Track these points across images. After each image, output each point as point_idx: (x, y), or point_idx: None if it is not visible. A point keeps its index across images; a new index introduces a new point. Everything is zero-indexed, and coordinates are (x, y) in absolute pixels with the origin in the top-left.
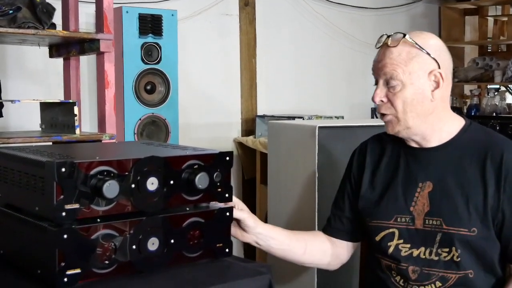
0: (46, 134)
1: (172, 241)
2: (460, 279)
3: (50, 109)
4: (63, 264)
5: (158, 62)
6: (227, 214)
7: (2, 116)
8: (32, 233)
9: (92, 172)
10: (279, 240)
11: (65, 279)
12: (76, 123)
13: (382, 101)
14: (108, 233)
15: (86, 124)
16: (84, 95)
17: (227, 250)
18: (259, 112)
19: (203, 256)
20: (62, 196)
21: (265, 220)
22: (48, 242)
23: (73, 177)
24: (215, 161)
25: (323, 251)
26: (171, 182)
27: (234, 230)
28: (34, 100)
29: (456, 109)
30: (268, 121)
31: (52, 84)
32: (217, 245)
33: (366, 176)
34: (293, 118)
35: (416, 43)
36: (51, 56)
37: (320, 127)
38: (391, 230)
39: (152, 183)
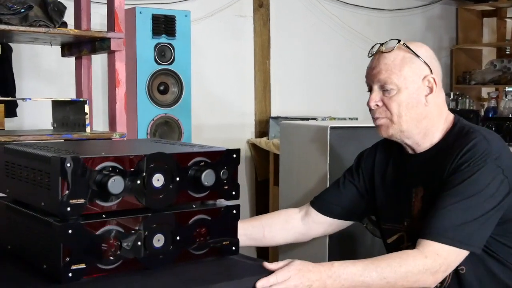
0: (57, 132)
1: (178, 238)
2: (454, 276)
3: (62, 107)
4: (68, 259)
5: (171, 63)
6: (234, 211)
7: (16, 116)
8: (38, 228)
9: (97, 168)
10: None
11: (70, 274)
12: (87, 122)
13: (377, 105)
14: (114, 229)
15: (100, 123)
16: (98, 94)
17: (233, 248)
18: (273, 114)
19: (209, 254)
20: (67, 192)
21: None
22: (53, 237)
23: (79, 173)
24: (222, 159)
25: (287, 230)
26: (177, 179)
27: None
28: (45, 98)
29: (473, 112)
30: (280, 122)
31: (66, 84)
32: (224, 242)
33: (378, 180)
34: (307, 119)
35: (410, 49)
36: (63, 55)
37: (331, 128)
38: (400, 233)
39: (158, 180)
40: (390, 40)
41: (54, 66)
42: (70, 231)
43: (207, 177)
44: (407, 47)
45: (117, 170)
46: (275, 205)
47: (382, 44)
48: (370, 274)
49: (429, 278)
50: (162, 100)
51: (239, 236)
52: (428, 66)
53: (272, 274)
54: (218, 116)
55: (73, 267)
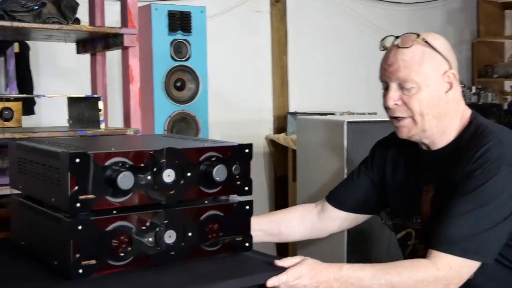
0: (72, 129)
1: (190, 234)
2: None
3: (77, 104)
4: (78, 255)
5: (188, 59)
6: (247, 207)
7: (34, 113)
8: (49, 224)
9: (107, 163)
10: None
11: (80, 271)
12: (101, 118)
13: (396, 104)
14: (124, 225)
15: (117, 119)
16: (115, 91)
17: (246, 244)
18: (291, 109)
19: (221, 250)
20: (76, 187)
21: None
22: (63, 233)
23: (88, 168)
24: (234, 154)
25: (303, 225)
26: (188, 174)
27: None
28: (58, 95)
29: (495, 106)
30: (297, 117)
31: (84, 81)
32: (237, 239)
33: (389, 173)
34: (325, 115)
35: (429, 43)
36: (78, 52)
37: (348, 122)
38: (408, 230)
39: (168, 175)
40: (406, 33)
41: (71, 64)
42: (79, 227)
43: (219, 172)
44: (426, 41)
45: (127, 166)
46: (294, 201)
47: (397, 38)
48: (379, 281)
49: None
50: (179, 96)
51: (255, 232)
52: (447, 60)
53: (284, 272)
54: (235, 112)
55: (83, 263)
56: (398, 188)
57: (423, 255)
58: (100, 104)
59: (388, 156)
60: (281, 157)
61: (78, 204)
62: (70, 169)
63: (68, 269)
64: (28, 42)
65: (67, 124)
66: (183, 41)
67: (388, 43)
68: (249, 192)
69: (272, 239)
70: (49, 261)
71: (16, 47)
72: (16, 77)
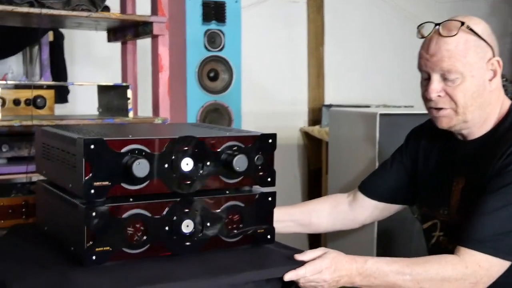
0: (99, 117)
1: (209, 224)
2: None
3: (106, 93)
4: (92, 242)
5: (222, 49)
6: (269, 199)
7: (67, 102)
8: (67, 210)
9: (123, 150)
10: (280, 219)
11: (94, 257)
12: (129, 106)
13: (439, 96)
14: (140, 213)
15: (150, 109)
16: (148, 80)
17: (269, 236)
18: (326, 102)
19: (242, 242)
20: (91, 174)
21: None
22: (78, 219)
23: (103, 155)
24: (256, 144)
25: (334, 216)
26: (208, 163)
27: None
28: (87, 83)
29: None
30: (329, 109)
31: (117, 70)
32: (258, 231)
33: (421, 161)
34: (360, 107)
35: (473, 30)
36: (109, 40)
37: (381, 115)
38: (435, 220)
39: (187, 164)
40: (448, 20)
41: (106, 53)
42: (93, 214)
43: (239, 162)
44: (470, 28)
45: (144, 153)
46: (327, 195)
47: (437, 25)
48: (404, 277)
49: None
50: (212, 87)
51: (286, 222)
52: (491, 47)
53: (302, 266)
54: (269, 103)
55: (97, 250)
56: (428, 177)
57: (445, 248)
58: (129, 93)
59: (421, 143)
60: (315, 150)
61: (93, 191)
62: (85, 156)
63: (82, 255)
64: (62, 31)
65: (97, 113)
66: (217, 31)
67: (427, 30)
68: (272, 183)
69: (303, 230)
70: (67, 247)
71: (50, 35)
72: (50, 66)
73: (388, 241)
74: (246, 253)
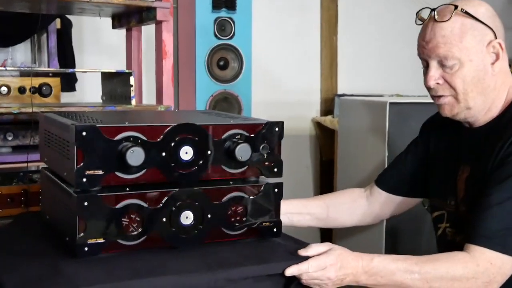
0: (101, 105)
1: (210, 216)
2: None
3: (110, 80)
4: (84, 232)
5: (232, 37)
6: (276, 190)
7: (74, 90)
8: (63, 199)
9: (117, 138)
10: (297, 211)
11: (86, 248)
12: (132, 94)
13: (438, 83)
14: (136, 203)
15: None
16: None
17: (275, 229)
18: (340, 91)
19: (246, 235)
20: (83, 162)
21: None
22: (71, 208)
23: (95, 142)
24: (262, 132)
25: (352, 210)
26: (209, 152)
27: None
28: (90, 70)
29: None
30: (339, 98)
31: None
32: (264, 223)
33: (431, 151)
34: (371, 97)
35: (469, 13)
36: (113, 27)
37: (391, 103)
38: (442, 211)
39: (186, 152)
40: (443, 5)
41: (115, 41)
42: (85, 203)
43: (242, 151)
44: (465, 12)
45: (139, 141)
46: (339, 186)
47: (433, 10)
48: (412, 275)
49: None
50: (222, 75)
51: (303, 215)
52: (491, 29)
53: (305, 261)
54: (281, 93)
55: (90, 241)
56: (437, 167)
57: (452, 240)
58: (132, 80)
59: (433, 133)
60: (328, 140)
61: (85, 180)
62: (77, 143)
63: (74, 246)
64: (71, 19)
65: (101, 101)
66: (227, 19)
67: (425, 15)
68: (279, 174)
69: (320, 224)
70: (64, 237)
71: (57, 23)
72: (58, 54)
73: (397, 237)
74: (249, 247)
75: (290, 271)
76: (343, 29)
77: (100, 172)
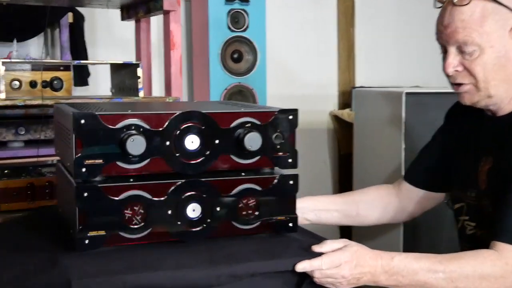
0: (108, 97)
1: (218, 209)
2: None
3: (118, 72)
4: (84, 224)
5: (245, 30)
6: (291, 182)
7: (87, 84)
8: (67, 190)
9: (118, 126)
10: (325, 208)
11: (86, 241)
12: (140, 86)
13: (456, 70)
14: (139, 195)
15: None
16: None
17: (290, 224)
18: (357, 84)
19: (259, 230)
20: (82, 151)
21: None
22: (72, 200)
23: (95, 131)
24: (274, 120)
25: (382, 207)
26: (217, 141)
27: None
28: (97, 62)
29: None
30: (354, 89)
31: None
32: (278, 218)
33: (454, 140)
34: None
35: None
36: (122, 18)
37: (407, 94)
38: (462, 203)
39: (192, 142)
40: None
41: (128, 35)
42: (85, 194)
43: (251, 140)
44: None
45: (141, 129)
46: (358, 180)
47: None
48: (436, 275)
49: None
50: (236, 68)
51: (331, 212)
52: None
53: (318, 258)
54: (296, 86)
55: (91, 233)
56: (459, 156)
57: (472, 235)
58: (139, 72)
59: (456, 120)
60: (345, 134)
61: (84, 169)
62: (75, 131)
63: (74, 239)
64: (83, 12)
65: (110, 93)
66: (241, 11)
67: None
68: (294, 165)
69: (348, 222)
70: (68, 230)
71: (70, 17)
72: (70, 48)
73: (415, 233)
74: (261, 242)
75: (302, 266)
76: (360, 20)
77: (100, 161)
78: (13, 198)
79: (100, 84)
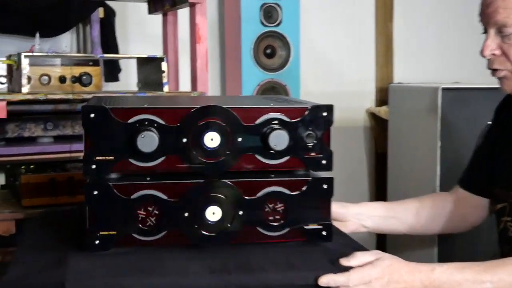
0: (132, 91)
1: (241, 213)
2: None
3: (144, 66)
4: (94, 224)
5: (279, 24)
6: (325, 186)
7: (118, 80)
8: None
9: (130, 121)
10: (383, 214)
11: (97, 242)
12: (164, 80)
13: (494, 54)
14: (153, 195)
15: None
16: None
17: (324, 233)
18: (396, 80)
19: (288, 237)
20: (92, 146)
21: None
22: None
23: (106, 125)
24: (306, 117)
25: (444, 216)
26: (239, 139)
27: None
28: (121, 56)
29: None
30: (390, 85)
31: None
32: (310, 225)
33: (500, 136)
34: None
35: None
36: (149, 12)
37: (443, 89)
38: (505, 203)
39: (211, 139)
40: None
41: (159, 30)
42: (95, 192)
43: (276, 139)
44: None
45: (155, 125)
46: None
47: None
48: (483, 285)
49: None
50: (269, 64)
51: (388, 219)
52: None
53: (346, 273)
54: (332, 82)
55: (101, 233)
56: (504, 154)
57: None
58: (164, 66)
59: (505, 116)
60: (383, 132)
61: (94, 166)
62: (85, 125)
63: (84, 239)
64: (114, 7)
65: (136, 88)
66: (274, 5)
67: None
68: (328, 167)
69: (406, 230)
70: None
71: (100, 12)
72: (101, 43)
73: (450, 236)
74: (284, 251)
75: (325, 280)
76: (399, 14)
77: (111, 158)
78: (36, 194)
79: (131, 80)
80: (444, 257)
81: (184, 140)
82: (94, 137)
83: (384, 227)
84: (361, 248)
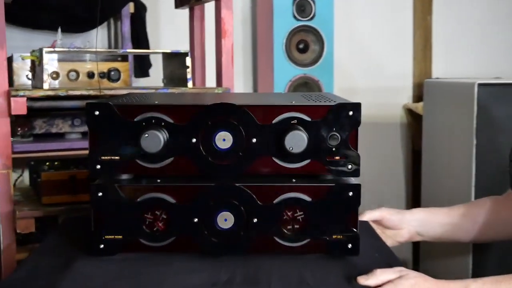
0: (155, 87)
1: (256, 220)
2: None
3: (170, 62)
4: (99, 227)
5: (312, 19)
6: (351, 194)
7: (148, 76)
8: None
9: (137, 119)
10: (440, 221)
11: (102, 246)
12: (188, 76)
13: None
14: (160, 198)
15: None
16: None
17: (350, 245)
18: (434, 75)
19: (309, 249)
20: (96, 146)
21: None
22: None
23: (111, 123)
24: (329, 117)
25: (502, 222)
26: (254, 140)
27: (385, 238)
28: (144, 51)
29: None
30: (425, 81)
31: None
32: (334, 236)
33: None
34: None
35: None
36: (176, 6)
37: (479, 85)
38: None
39: (224, 140)
40: None
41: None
42: (100, 194)
43: (293, 141)
44: None
45: (163, 123)
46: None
47: None
48: None
49: None
50: (301, 59)
51: (444, 227)
52: None
53: None
54: (367, 78)
55: (107, 237)
56: None
57: None
58: (188, 61)
59: None
60: (420, 129)
61: (99, 166)
62: (89, 124)
63: (88, 242)
64: (145, 2)
65: (162, 84)
66: None
67: None
68: (355, 173)
69: (463, 237)
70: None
71: (131, 7)
72: (131, 39)
73: (484, 248)
74: (298, 265)
75: None
76: (439, 7)
77: (117, 158)
78: (55, 191)
79: (161, 75)
80: (479, 266)
81: (194, 140)
82: (99, 136)
83: (441, 235)
84: (398, 264)
